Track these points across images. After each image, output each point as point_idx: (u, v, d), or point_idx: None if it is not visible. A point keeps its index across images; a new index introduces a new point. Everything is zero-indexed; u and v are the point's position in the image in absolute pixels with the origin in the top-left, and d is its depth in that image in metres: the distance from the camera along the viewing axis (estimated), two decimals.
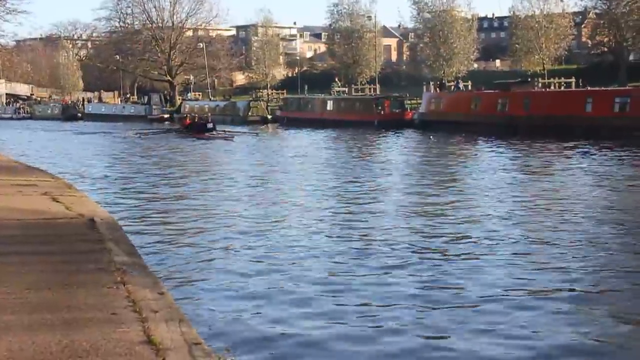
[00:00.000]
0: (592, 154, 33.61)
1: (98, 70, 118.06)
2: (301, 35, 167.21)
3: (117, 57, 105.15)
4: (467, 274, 12.21)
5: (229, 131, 55.71)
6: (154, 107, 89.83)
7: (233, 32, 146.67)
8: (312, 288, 11.39)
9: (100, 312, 6.98)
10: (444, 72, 78.80)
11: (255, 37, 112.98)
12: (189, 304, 10.29)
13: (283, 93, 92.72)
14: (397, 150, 39.78)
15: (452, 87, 66.65)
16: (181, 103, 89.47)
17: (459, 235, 15.32)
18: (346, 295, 11.04)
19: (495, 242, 14.62)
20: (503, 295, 10.91)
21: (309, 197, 21.54)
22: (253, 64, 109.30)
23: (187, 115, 64.84)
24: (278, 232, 15.77)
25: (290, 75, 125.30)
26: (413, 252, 13.86)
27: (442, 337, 9.25)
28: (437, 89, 64.90)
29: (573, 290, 11.20)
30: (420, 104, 63.72)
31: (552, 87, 62.05)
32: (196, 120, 57.74)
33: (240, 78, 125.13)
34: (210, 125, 54.67)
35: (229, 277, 12.11)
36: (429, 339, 9.21)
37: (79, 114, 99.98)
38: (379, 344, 9.05)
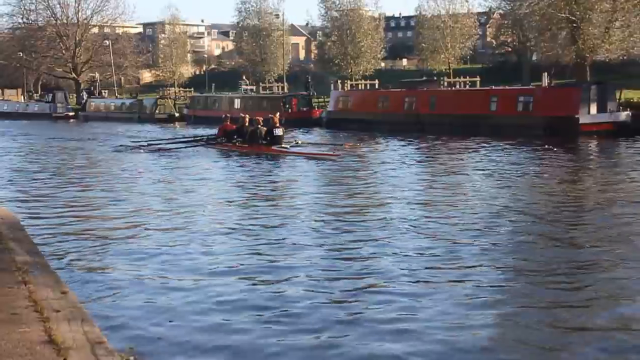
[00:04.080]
0: (492, 151, 34.12)
1: (0, 67, 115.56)
2: (209, 33, 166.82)
3: (21, 54, 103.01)
4: (368, 271, 12.30)
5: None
6: (58, 104, 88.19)
7: (140, 29, 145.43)
8: (218, 286, 11.35)
9: (0, 312, 6.85)
10: (351, 71, 79.50)
11: (163, 35, 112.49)
12: (93, 304, 10.15)
13: (191, 91, 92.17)
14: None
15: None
16: (86, 100, 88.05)
17: (360, 231, 15.41)
18: (253, 292, 11.04)
19: (395, 235, 14.79)
20: (405, 292, 11.03)
21: (219, 198, 21.38)
22: (160, 61, 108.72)
23: (226, 116, 37.82)
24: (185, 233, 15.62)
25: (198, 73, 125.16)
26: (308, 249, 13.91)
27: (344, 335, 9.30)
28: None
29: (474, 283, 11.39)
30: (328, 102, 63.97)
31: (458, 86, 63.00)
32: (247, 124, 35.07)
33: (147, 76, 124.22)
34: (279, 132, 33.52)
35: (134, 276, 11.98)
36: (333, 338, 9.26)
37: None
38: (281, 340, 9.06)
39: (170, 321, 9.84)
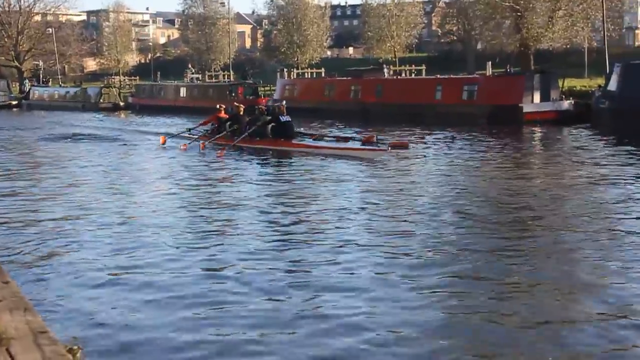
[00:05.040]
0: (435, 140, 34.17)
1: None
2: (154, 21, 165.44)
3: None
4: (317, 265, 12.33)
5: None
6: (0, 93, 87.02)
7: (84, 17, 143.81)
8: (163, 278, 11.30)
9: None
10: (297, 59, 79.49)
11: (107, 23, 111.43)
12: (36, 293, 10.09)
13: (136, 79, 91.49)
14: None
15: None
16: (29, 89, 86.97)
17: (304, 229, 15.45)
18: (197, 285, 10.99)
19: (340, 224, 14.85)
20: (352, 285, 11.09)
21: (162, 191, 21.19)
22: (104, 49, 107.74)
23: (220, 106, 32.96)
24: (130, 224, 15.47)
25: (143, 61, 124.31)
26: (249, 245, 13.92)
27: (290, 332, 9.31)
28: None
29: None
30: (274, 90, 63.95)
31: (403, 75, 63.23)
32: (241, 112, 31.11)
33: (91, 64, 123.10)
34: (286, 118, 29.04)
35: (79, 267, 11.89)
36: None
37: None
38: (225, 335, 9.05)
39: (113, 308, 9.82)
